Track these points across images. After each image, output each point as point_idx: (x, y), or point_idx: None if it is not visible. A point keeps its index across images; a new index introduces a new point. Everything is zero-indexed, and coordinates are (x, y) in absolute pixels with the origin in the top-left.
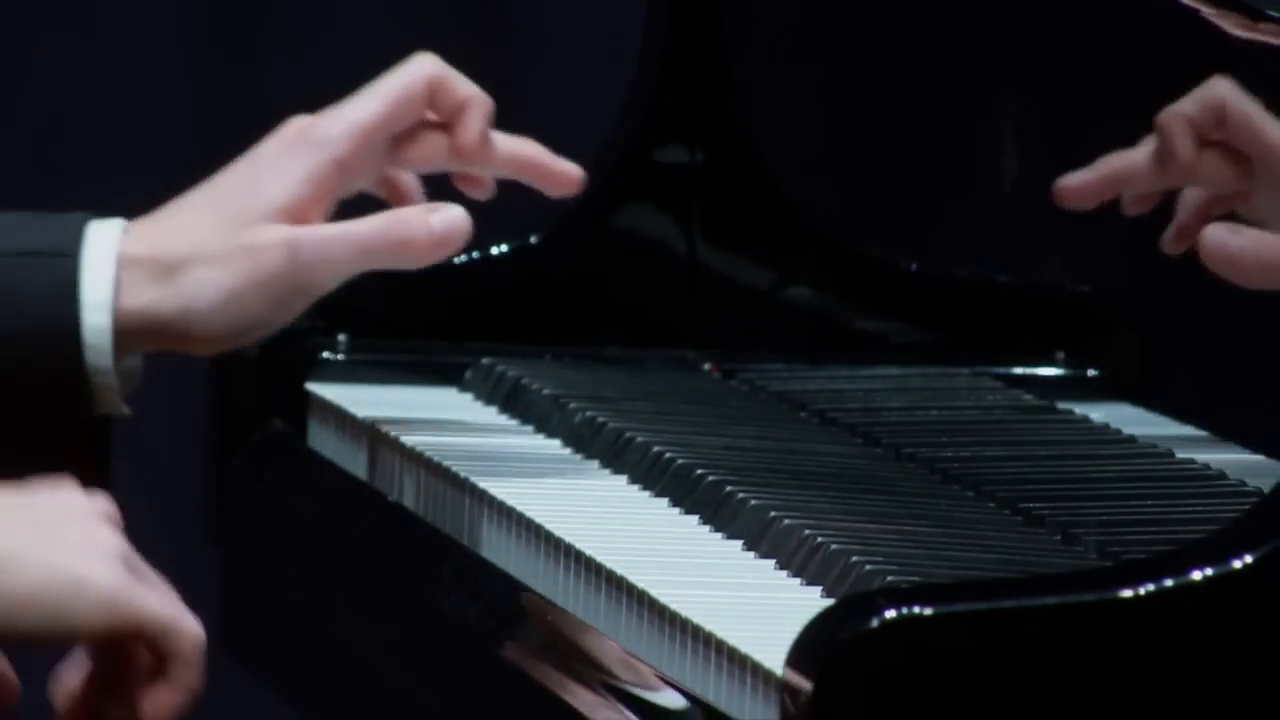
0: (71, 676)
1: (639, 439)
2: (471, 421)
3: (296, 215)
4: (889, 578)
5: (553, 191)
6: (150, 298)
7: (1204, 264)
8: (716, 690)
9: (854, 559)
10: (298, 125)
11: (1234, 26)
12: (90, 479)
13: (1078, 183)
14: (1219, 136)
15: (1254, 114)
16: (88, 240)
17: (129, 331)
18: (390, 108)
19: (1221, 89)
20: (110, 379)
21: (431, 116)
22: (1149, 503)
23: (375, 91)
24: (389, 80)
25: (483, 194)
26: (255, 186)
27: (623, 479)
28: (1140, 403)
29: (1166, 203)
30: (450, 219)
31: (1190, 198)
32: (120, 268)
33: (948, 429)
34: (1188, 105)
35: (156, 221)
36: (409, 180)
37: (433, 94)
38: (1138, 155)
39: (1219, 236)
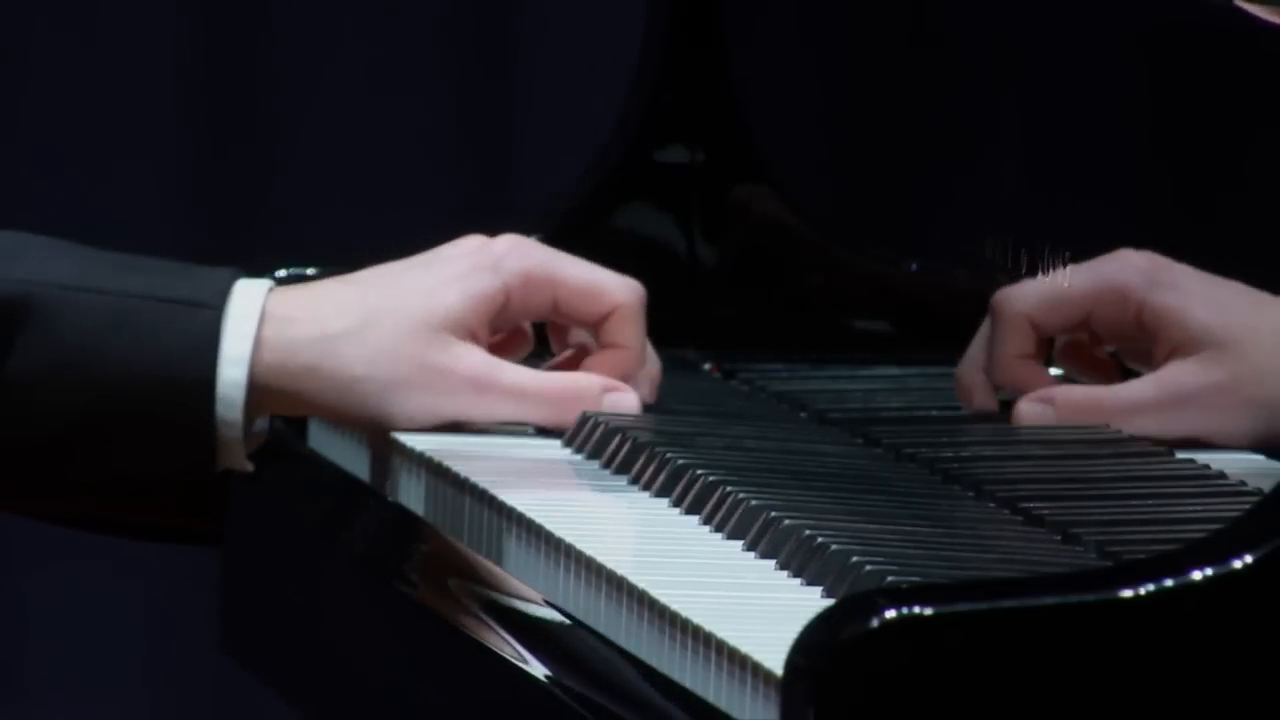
0: None
1: (639, 439)
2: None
3: (468, 331)
4: (889, 578)
5: None
6: (309, 361)
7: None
8: (716, 690)
9: (854, 559)
10: (481, 242)
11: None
12: (204, 530)
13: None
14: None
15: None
16: (234, 295)
17: (273, 388)
18: (570, 285)
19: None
20: (237, 433)
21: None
22: (1149, 503)
23: (574, 264)
24: (595, 269)
25: None
26: (432, 291)
27: (623, 479)
28: None
29: (1181, 184)
30: (621, 403)
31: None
32: (271, 323)
33: (948, 429)
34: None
35: (316, 288)
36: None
37: (607, 317)
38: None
39: (1034, 413)
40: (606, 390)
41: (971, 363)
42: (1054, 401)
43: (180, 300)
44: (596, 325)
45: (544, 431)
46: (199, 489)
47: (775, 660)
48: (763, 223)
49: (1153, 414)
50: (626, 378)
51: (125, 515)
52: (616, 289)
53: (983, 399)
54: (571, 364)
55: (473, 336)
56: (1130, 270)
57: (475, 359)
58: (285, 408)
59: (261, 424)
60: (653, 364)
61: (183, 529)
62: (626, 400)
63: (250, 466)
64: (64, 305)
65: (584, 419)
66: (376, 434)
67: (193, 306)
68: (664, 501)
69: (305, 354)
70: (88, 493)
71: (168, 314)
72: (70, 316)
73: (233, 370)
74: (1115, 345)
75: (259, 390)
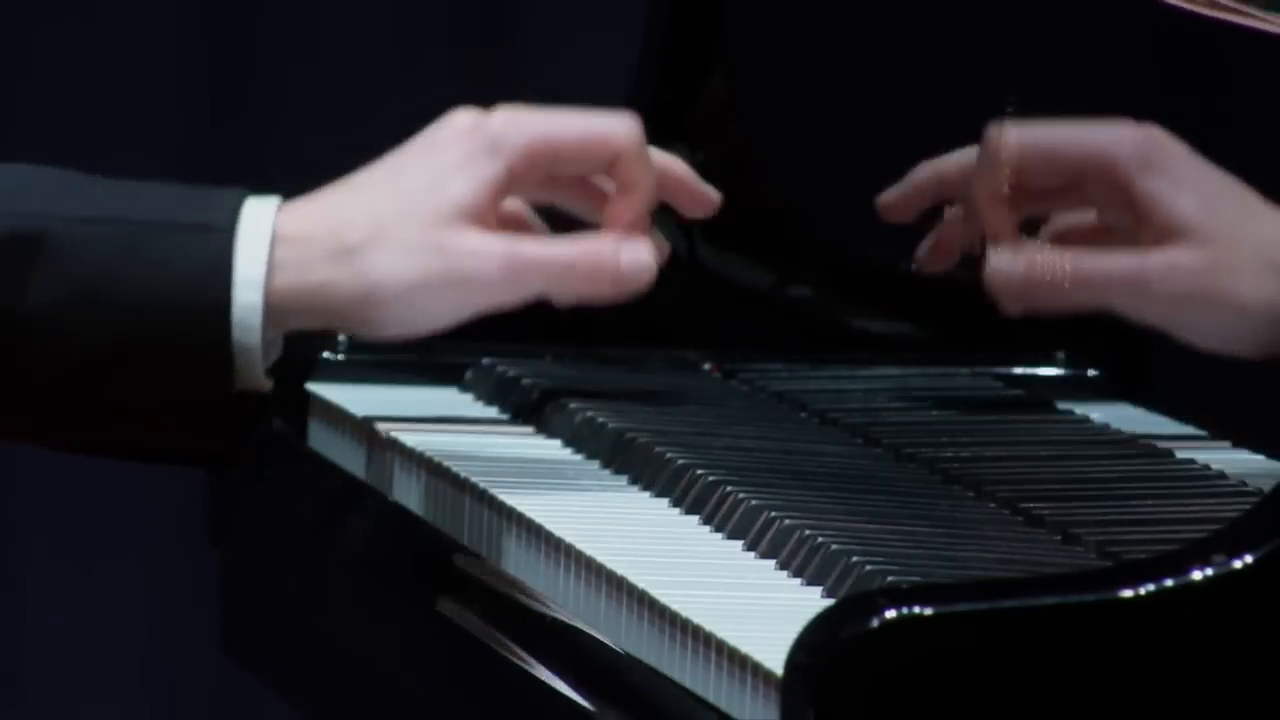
0: None
1: (639, 439)
2: (472, 422)
3: (480, 218)
4: (889, 578)
5: (691, 212)
6: (326, 276)
7: (993, 296)
8: (716, 690)
9: (854, 559)
10: (473, 120)
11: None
12: (222, 451)
13: (892, 198)
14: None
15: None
16: (244, 217)
17: (291, 308)
18: (569, 146)
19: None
20: (255, 356)
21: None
22: (1149, 503)
23: (568, 123)
24: (589, 120)
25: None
26: (437, 183)
27: (623, 479)
28: (1140, 403)
29: None
30: (638, 259)
31: (952, 216)
32: (284, 245)
33: (948, 429)
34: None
35: (322, 200)
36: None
37: (613, 161)
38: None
39: (1004, 265)
40: (620, 243)
41: (930, 168)
42: (1026, 259)
43: (191, 226)
44: (608, 171)
45: (543, 431)
46: (216, 409)
47: (775, 660)
48: (762, 222)
49: (1122, 289)
50: (646, 214)
51: (143, 440)
52: (614, 134)
53: (903, 199)
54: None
55: (483, 222)
56: (1125, 144)
57: (494, 241)
58: (306, 323)
59: (277, 338)
60: (677, 166)
61: (198, 451)
62: (641, 251)
63: (269, 384)
64: (77, 238)
65: (584, 419)
66: (408, 337)
67: (204, 231)
68: (664, 501)
69: (322, 270)
70: (107, 421)
71: (180, 240)
72: (84, 248)
73: (248, 294)
74: (1101, 216)
75: (276, 311)
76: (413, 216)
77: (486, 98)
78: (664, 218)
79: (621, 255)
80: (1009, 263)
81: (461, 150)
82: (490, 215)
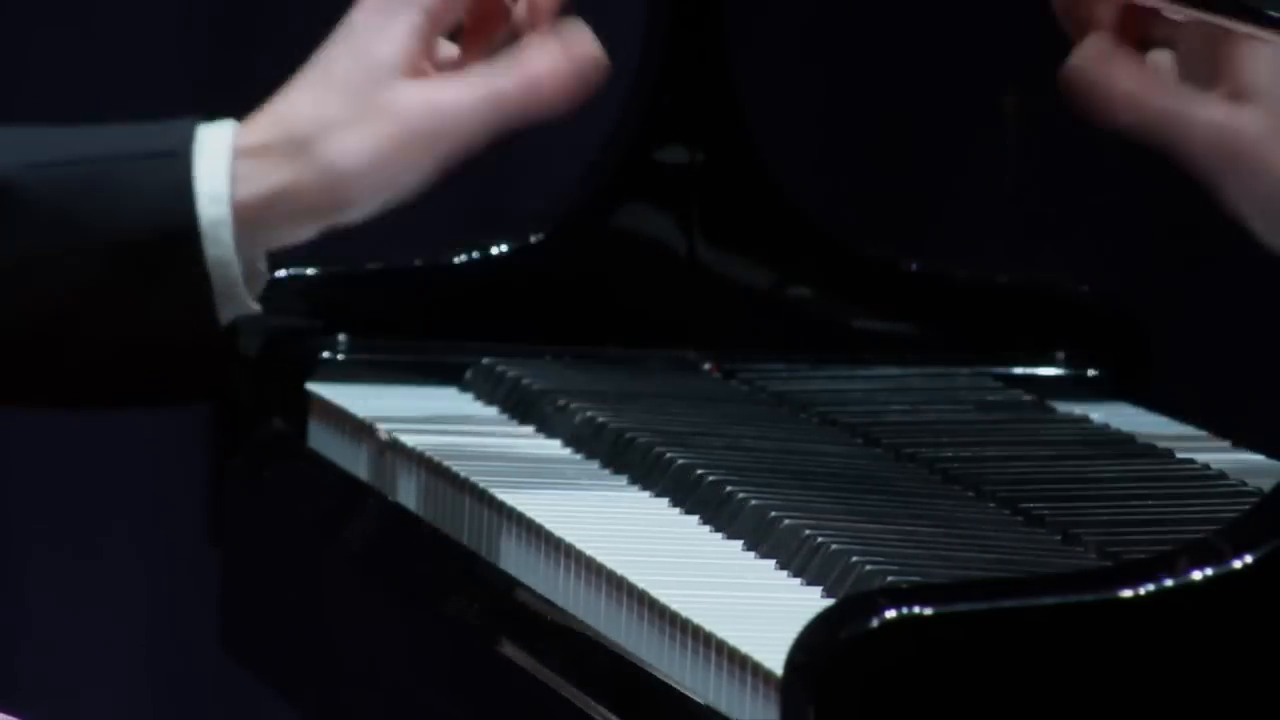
0: None
1: (639, 439)
2: (472, 422)
3: (415, 69)
4: (889, 578)
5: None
6: (288, 176)
7: (1069, 92)
8: (716, 690)
9: (854, 559)
10: None
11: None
12: (212, 384)
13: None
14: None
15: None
16: (199, 139)
17: (261, 218)
18: None
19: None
20: (233, 272)
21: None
22: (1149, 503)
23: None
24: None
25: None
26: (363, 51)
27: (623, 479)
28: (1140, 403)
29: (1175, 201)
30: (583, 53)
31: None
32: (243, 157)
33: (948, 429)
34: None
35: (269, 110)
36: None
37: None
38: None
39: (1084, 61)
40: (560, 34)
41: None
42: (1110, 63)
43: (148, 154)
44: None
45: (543, 431)
46: (200, 353)
47: (775, 660)
48: (762, 222)
49: (1172, 127)
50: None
51: (133, 383)
52: None
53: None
54: None
55: (420, 72)
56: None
57: (439, 87)
58: (283, 234)
59: (260, 263)
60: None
61: (186, 387)
62: (580, 30)
63: (258, 308)
64: (36, 183)
65: (584, 419)
66: (385, 209)
67: (162, 157)
68: (664, 501)
69: (283, 171)
70: (92, 368)
71: (140, 170)
72: (45, 193)
73: (214, 209)
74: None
75: (246, 224)
76: (352, 92)
77: None
78: (662, 217)
79: (569, 44)
80: (1090, 63)
81: (375, 11)
82: (424, 63)
